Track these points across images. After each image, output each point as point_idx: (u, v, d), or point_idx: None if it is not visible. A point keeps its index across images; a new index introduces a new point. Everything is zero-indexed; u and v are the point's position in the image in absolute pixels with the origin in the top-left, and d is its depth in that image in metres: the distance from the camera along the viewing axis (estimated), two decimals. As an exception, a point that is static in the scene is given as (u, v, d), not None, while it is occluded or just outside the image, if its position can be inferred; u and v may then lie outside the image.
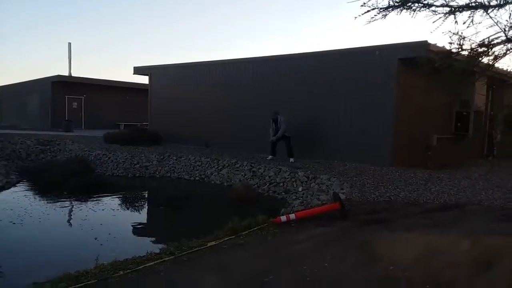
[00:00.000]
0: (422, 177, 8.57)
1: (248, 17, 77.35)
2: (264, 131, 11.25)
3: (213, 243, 4.42)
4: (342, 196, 6.30)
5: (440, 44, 8.82)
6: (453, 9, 4.45)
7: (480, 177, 8.85)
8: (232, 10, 75.13)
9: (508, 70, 7.18)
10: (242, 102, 13.03)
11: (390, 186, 7.61)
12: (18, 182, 10.16)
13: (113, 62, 71.81)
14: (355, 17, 4.71)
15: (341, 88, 10.60)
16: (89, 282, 3.31)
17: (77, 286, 3.23)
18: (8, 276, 4.61)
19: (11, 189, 9.44)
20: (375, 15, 4.69)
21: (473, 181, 8.35)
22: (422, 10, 4.57)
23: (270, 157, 11.04)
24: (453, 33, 4.65)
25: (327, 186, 7.97)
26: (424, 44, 8.64)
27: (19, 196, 8.64)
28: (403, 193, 7.17)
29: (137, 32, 77.27)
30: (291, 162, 10.43)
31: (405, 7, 4.56)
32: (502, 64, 6.52)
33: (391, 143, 9.82)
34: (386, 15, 4.67)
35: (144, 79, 18.04)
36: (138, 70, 17.12)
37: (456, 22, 4.54)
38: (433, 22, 4.61)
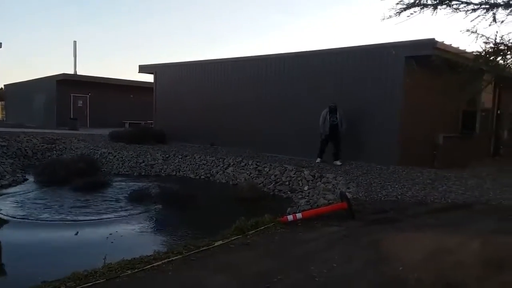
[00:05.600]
0: (429, 176, 8.51)
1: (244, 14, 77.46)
2: (268, 131, 11.16)
3: (220, 242, 4.40)
4: (349, 196, 6.26)
5: (447, 42, 8.82)
6: (489, 6, 4.40)
7: (488, 176, 8.78)
8: (231, 9, 75.18)
9: None
10: (246, 101, 13.00)
11: (396, 185, 7.57)
12: (24, 180, 10.20)
13: (119, 60, 72.12)
14: (383, 18, 4.65)
15: (349, 86, 10.51)
16: (97, 282, 3.30)
17: (85, 285, 3.23)
18: (16, 275, 4.62)
19: (18, 186, 9.48)
20: (411, 13, 4.64)
21: (480, 180, 8.28)
22: (460, 9, 4.51)
23: (318, 160, 10.17)
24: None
25: (333, 185, 7.94)
26: (432, 42, 8.56)
27: (26, 194, 8.66)
28: (410, 192, 7.12)
29: (142, 30, 77.45)
30: (338, 164, 9.75)
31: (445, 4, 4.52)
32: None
33: (397, 142, 9.75)
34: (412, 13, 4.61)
35: (149, 78, 18.06)
36: (143, 68, 17.12)
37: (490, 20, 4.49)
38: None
